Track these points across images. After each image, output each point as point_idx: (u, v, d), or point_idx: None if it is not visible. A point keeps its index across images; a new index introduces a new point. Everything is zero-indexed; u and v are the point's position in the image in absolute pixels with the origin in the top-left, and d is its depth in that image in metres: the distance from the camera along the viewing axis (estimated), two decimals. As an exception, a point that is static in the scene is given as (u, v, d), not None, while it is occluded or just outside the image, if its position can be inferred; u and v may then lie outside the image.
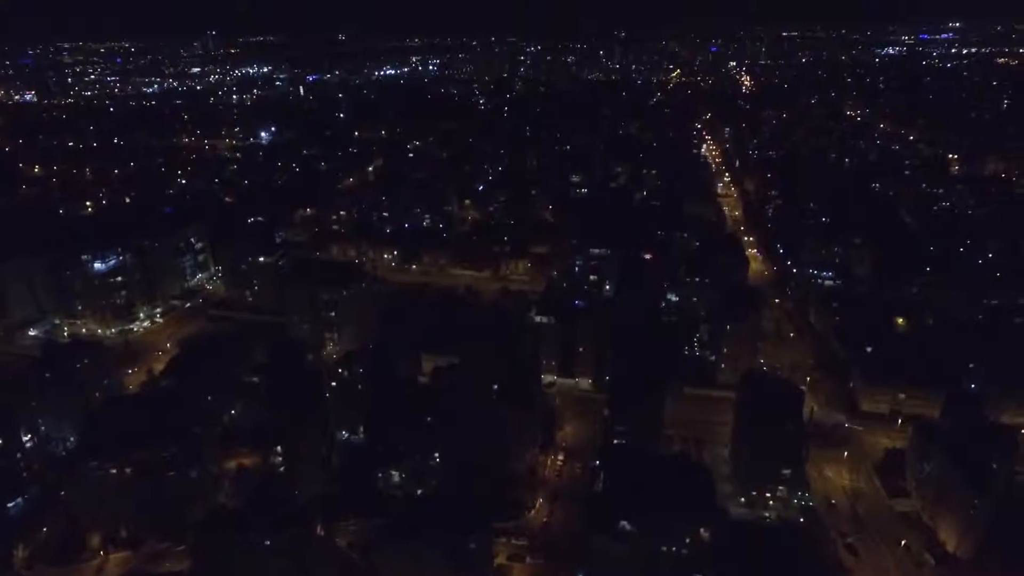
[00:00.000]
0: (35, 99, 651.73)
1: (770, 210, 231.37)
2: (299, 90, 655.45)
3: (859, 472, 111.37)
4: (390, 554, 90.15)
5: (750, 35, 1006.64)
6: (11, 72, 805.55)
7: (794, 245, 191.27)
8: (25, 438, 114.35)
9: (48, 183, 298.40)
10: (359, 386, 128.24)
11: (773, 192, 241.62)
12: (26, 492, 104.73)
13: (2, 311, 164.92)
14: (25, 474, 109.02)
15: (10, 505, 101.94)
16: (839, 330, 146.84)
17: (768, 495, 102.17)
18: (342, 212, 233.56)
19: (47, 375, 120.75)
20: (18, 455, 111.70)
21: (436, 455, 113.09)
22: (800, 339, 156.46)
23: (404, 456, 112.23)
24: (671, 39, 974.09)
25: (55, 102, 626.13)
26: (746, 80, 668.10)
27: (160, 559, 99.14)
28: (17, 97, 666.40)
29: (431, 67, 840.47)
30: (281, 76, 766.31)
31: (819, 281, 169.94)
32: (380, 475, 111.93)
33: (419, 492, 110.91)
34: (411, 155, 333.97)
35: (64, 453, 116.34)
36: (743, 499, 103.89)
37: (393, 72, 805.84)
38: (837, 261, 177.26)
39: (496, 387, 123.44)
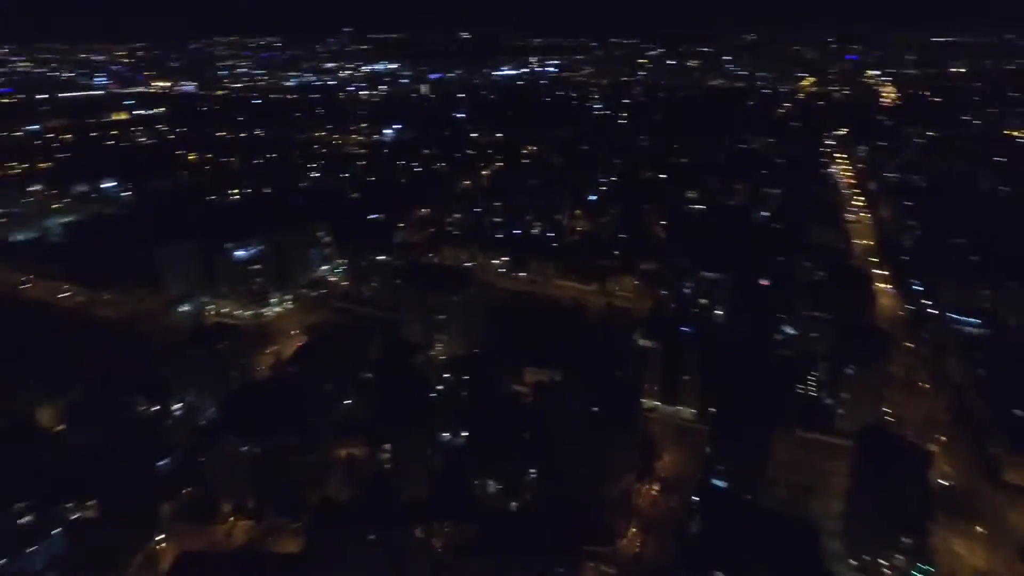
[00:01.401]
0: (195, 90, 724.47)
1: (907, 242, 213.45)
2: (421, 88, 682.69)
3: (998, 553, 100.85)
4: (479, 565, 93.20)
5: (895, 40, 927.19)
6: (176, 64, 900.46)
7: (933, 283, 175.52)
8: (174, 407, 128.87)
9: (202, 170, 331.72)
10: (463, 392, 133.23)
11: (912, 222, 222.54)
12: (173, 455, 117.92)
13: (160, 288, 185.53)
14: (173, 438, 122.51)
15: (160, 463, 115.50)
16: (982, 384, 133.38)
17: (883, 562, 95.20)
18: (456, 215, 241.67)
19: (196, 352, 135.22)
20: (168, 421, 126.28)
21: (532, 470, 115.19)
22: (934, 391, 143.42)
23: (501, 467, 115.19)
24: (805, 44, 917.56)
25: (209, 93, 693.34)
26: (889, 92, 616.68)
27: (278, 533, 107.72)
28: (179, 87, 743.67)
29: (550, 68, 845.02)
30: (406, 73, 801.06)
31: (961, 326, 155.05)
32: (477, 483, 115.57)
33: (513, 504, 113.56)
34: (526, 160, 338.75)
35: (204, 423, 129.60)
36: (853, 562, 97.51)
37: (512, 72, 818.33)
38: (985, 305, 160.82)
39: (596, 408, 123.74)
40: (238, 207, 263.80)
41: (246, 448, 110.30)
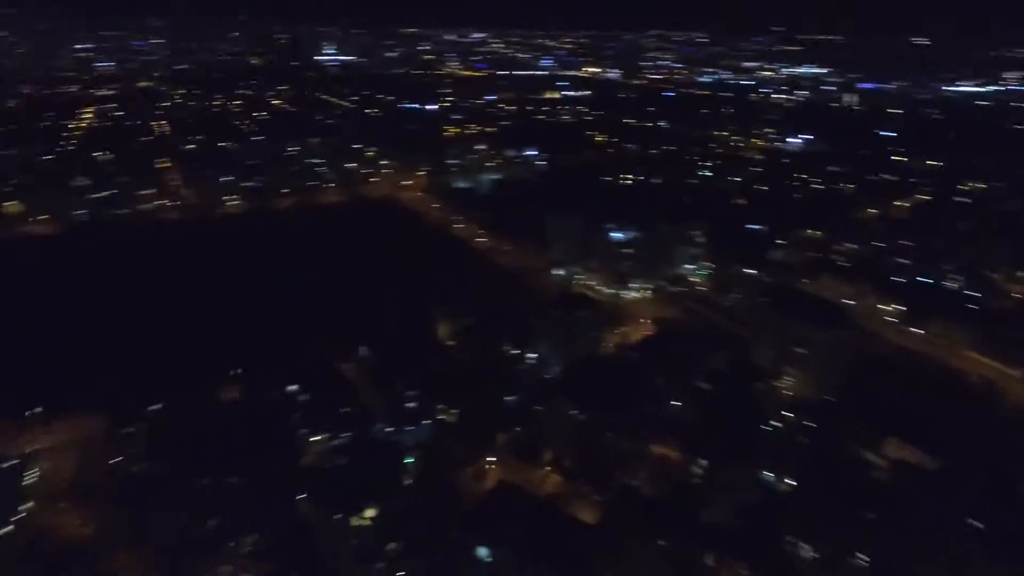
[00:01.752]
0: (619, 77, 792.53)
1: None
2: (844, 98, 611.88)
3: None
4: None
5: None
6: (609, 52, 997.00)
7: None
8: (529, 355, 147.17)
9: (605, 152, 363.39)
10: (802, 438, 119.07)
11: None
12: (518, 395, 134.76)
13: (546, 249, 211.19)
14: (522, 381, 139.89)
15: (507, 398, 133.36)
16: None
17: None
18: (850, 244, 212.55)
19: (558, 314, 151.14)
20: (522, 366, 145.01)
21: (865, 556, 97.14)
22: None
23: (825, 535, 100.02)
24: None
25: (628, 82, 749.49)
26: None
27: (580, 498, 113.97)
28: (605, 74, 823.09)
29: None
30: (833, 80, 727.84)
31: None
32: (789, 540, 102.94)
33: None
34: (962, 198, 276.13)
35: (548, 377, 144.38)
36: None
37: (974, 88, 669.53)
38: None
39: (980, 520, 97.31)
40: (627, 191, 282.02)
41: (575, 412, 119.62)
